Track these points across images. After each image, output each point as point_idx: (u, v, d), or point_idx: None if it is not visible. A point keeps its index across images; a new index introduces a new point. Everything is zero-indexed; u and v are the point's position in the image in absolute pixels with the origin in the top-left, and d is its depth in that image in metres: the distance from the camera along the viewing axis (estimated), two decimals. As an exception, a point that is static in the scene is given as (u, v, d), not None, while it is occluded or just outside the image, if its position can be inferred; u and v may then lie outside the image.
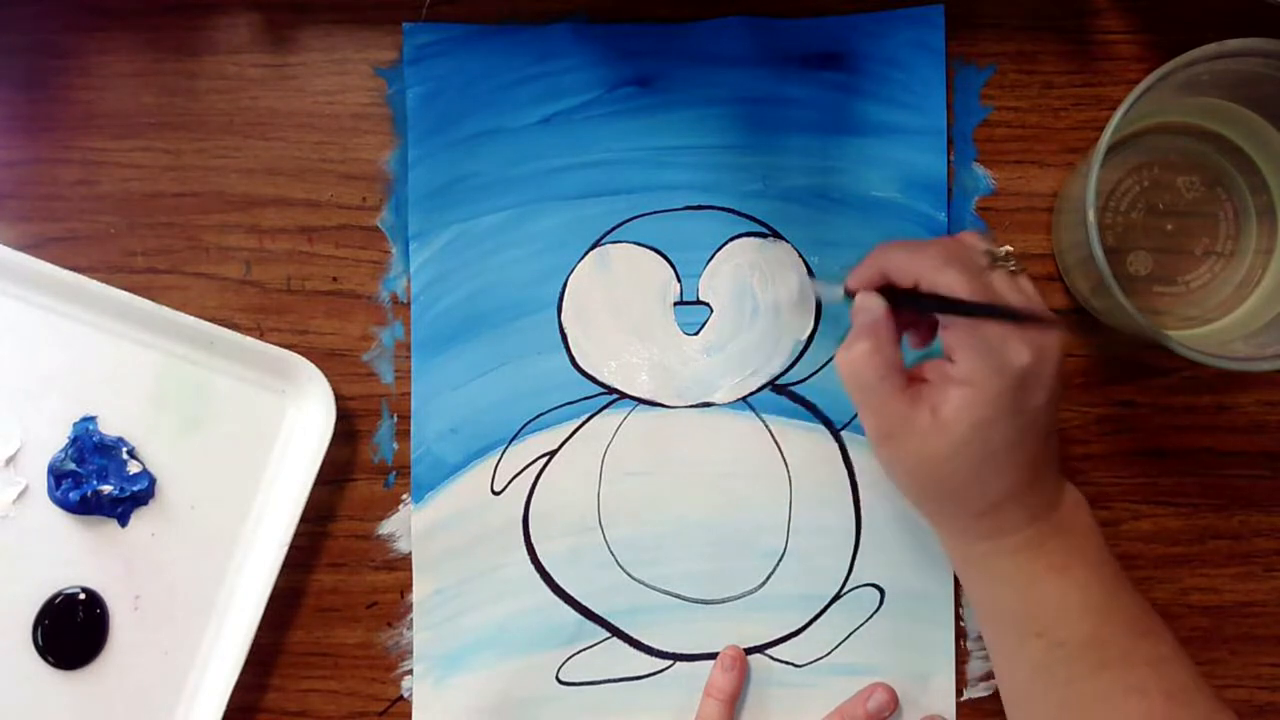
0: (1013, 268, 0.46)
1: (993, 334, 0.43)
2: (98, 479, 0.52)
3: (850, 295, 0.47)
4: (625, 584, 0.54)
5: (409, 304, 0.54)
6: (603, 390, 0.54)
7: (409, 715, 0.54)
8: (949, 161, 0.54)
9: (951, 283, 0.44)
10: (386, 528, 0.54)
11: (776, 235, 0.54)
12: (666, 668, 0.54)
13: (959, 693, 0.54)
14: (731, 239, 0.54)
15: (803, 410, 0.54)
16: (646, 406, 0.54)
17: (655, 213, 0.54)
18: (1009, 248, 0.46)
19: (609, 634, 0.54)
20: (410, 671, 0.54)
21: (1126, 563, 0.54)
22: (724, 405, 0.54)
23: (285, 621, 0.54)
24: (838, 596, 0.54)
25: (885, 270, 0.46)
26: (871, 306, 0.46)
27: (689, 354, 0.54)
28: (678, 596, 0.54)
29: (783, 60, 0.54)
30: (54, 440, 0.53)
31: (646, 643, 0.54)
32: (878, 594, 0.54)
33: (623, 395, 0.54)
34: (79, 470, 0.52)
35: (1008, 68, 0.54)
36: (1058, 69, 0.54)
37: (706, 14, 0.54)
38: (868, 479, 0.54)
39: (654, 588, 0.54)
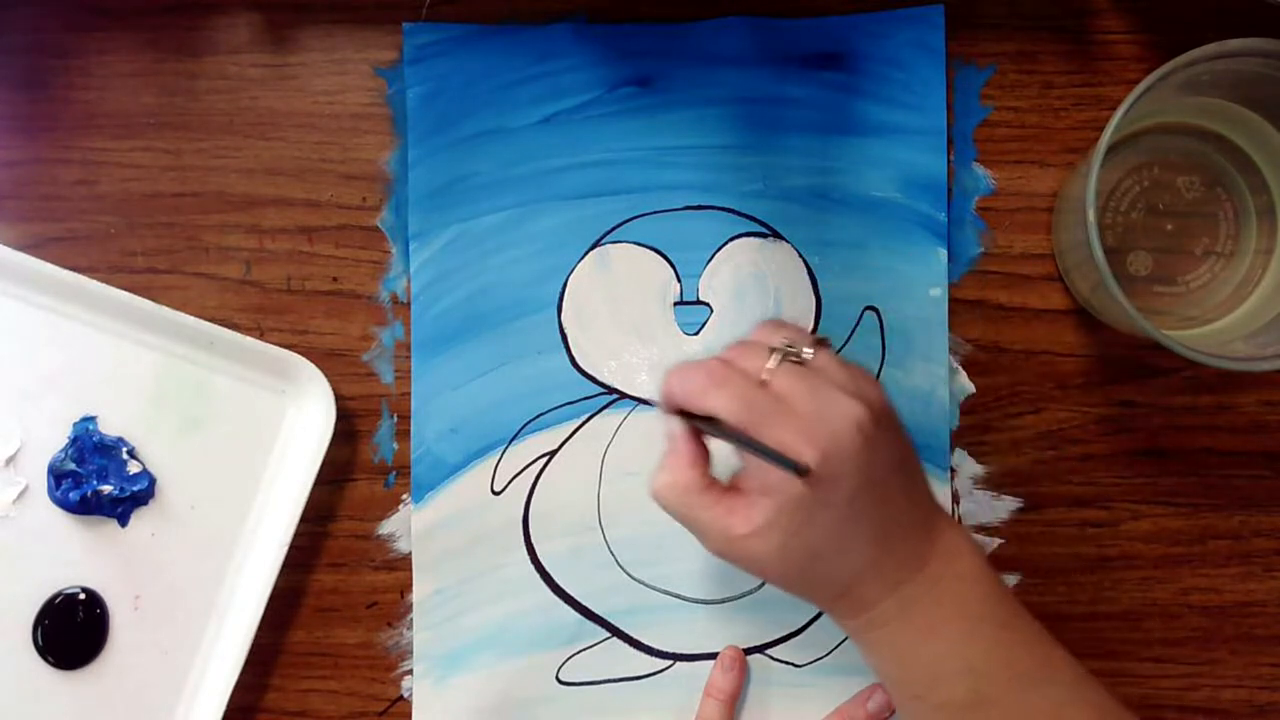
0: (798, 357, 0.43)
1: (772, 441, 0.40)
2: (98, 479, 0.52)
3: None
4: (625, 584, 0.54)
5: (409, 304, 0.54)
6: (603, 390, 0.54)
7: (409, 715, 0.54)
8: (949, 161, 0.54)
9: (715, 407, 0.41)
10: (386, 528, 0.54)
11: (776, 235, 0.54)
12: (666, 668, 0.54)
13: (959, 693, 0.54)
14: (731, 239, 0.54)
15: (803, 410, 0.54)
16: (646, 406, 0.54)
17: (655, 213, 0.54)
18: (784, 341, 0.43)
19: (609, 634, 0.54)
20: (410, 671, 0.54)
21: (1126, 563, 0.54)
22: (724, 405, 0.54)
23: (285, 621, 0.54)
24: (838, 596, 0.54)
25: (669, 392, 0.44)
26: (671, 431, 0.44)
27: (689, 354, 0.54)
28: (678, 596, 0.54)
29: (783, 60, 0.54)
30: (54, 440, 0.53)
31: (646, 643, 0.54)
32: (878, 594, 0.54)
33: (623, 395, 0.54)
34: (79, 470, 0.52)
35: (1008, 68, 0.54)
36: (1058, 69, 0.54)
37: (706, 14, 0.54)
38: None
39: (654, 588, 0.54)
